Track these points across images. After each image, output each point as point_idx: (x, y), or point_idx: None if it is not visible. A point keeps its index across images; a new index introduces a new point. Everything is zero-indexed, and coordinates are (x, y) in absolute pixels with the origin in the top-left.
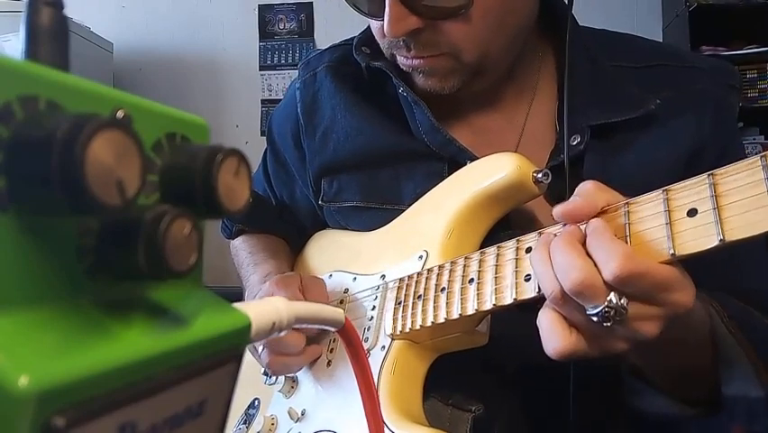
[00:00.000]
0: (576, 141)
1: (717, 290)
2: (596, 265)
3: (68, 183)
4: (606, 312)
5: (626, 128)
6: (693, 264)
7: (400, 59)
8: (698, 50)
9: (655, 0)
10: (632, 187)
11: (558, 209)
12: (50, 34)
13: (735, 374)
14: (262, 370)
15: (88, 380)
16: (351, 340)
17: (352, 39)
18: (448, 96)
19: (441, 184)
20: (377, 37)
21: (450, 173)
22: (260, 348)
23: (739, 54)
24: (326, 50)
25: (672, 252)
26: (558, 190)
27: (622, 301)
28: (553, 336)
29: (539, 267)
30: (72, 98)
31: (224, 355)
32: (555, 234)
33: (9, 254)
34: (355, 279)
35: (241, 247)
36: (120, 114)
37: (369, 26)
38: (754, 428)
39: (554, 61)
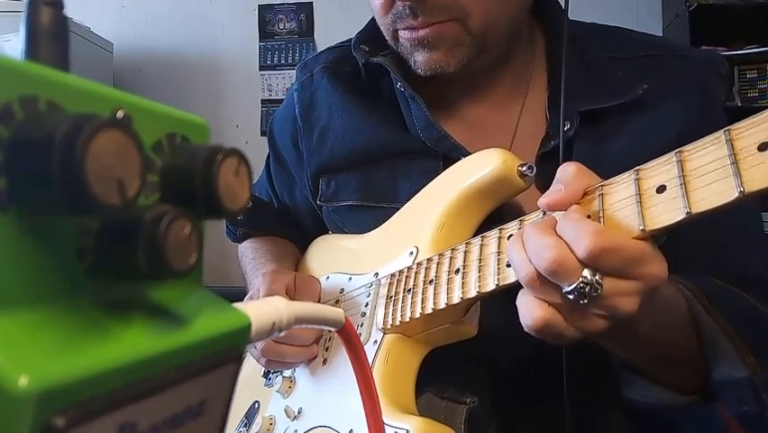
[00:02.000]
0: (566, 127)
1: (709, 276)
2: (568, 245)
3: (68, 183)
4: (581, 288)
5: (614, 114)
6: (684, 251)
7: (404, 35)
8: None
9: (655, 0)
10: (622, 172)
11: (543, 200)
12: (50, 34)
13: (720, 358)
14: (262, 372)
15: (88, 380)
16: (350, 340)
17: (349, 40)
18: (444, 91)
19: (432, 182)
20: (379, 16)
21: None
22: None
23: (739, 54)
24: (323, 51)
25: (641, 227)
26: (549, 178)
27: (596, 277)
28: (531, 309)
29: (514, 255)
30: (72, 98)
31: (223, 355)
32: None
33: (9, 254)
34: (350, 279)
35: (245, 252)
36: (120, 114)
37: (366, 25)
38: (743, 409)
39: (545, 51)
